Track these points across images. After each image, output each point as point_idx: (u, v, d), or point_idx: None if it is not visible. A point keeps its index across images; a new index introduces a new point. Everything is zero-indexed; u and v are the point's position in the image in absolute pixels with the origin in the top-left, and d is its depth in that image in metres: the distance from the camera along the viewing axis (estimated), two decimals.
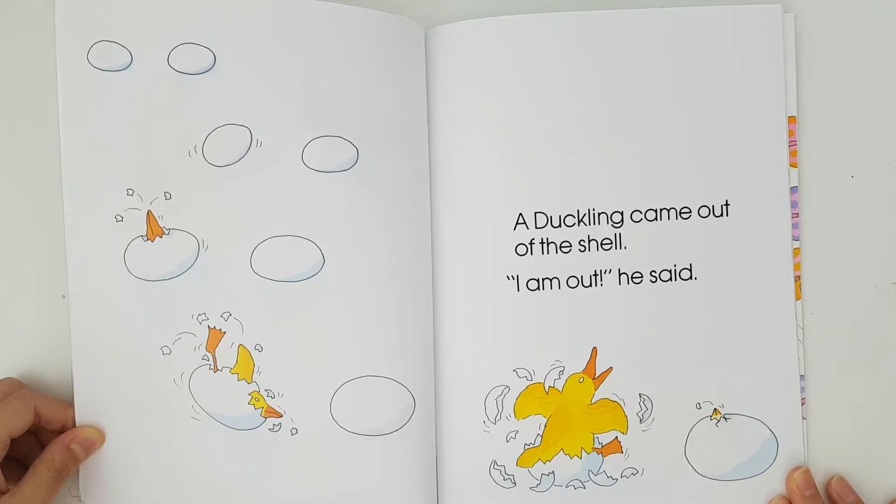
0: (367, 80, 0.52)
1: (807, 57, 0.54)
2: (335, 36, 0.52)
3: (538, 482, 0.53)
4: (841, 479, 0.53)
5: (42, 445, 0.51)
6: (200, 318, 0.52)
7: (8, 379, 0.52)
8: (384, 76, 0.52)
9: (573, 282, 0.53)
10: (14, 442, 0.49)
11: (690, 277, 0.53)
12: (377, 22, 0.52)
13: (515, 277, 0.53)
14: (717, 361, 0.53)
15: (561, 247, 0.53)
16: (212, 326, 0.52)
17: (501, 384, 0.53)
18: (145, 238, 0.52)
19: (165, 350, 0.52)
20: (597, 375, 0.53)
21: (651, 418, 0.53)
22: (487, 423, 0.53)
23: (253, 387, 0.53)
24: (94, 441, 0.51)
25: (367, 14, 0.52)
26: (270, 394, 0.53)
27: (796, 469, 0.53)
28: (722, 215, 0.53)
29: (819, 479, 0.53)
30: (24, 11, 0.53)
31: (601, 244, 0.53)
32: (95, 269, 0.52)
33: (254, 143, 0.52)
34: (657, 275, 0.53)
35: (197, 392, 0.52)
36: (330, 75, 0.52)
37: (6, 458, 0.49)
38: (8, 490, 0.48)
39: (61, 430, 0.51)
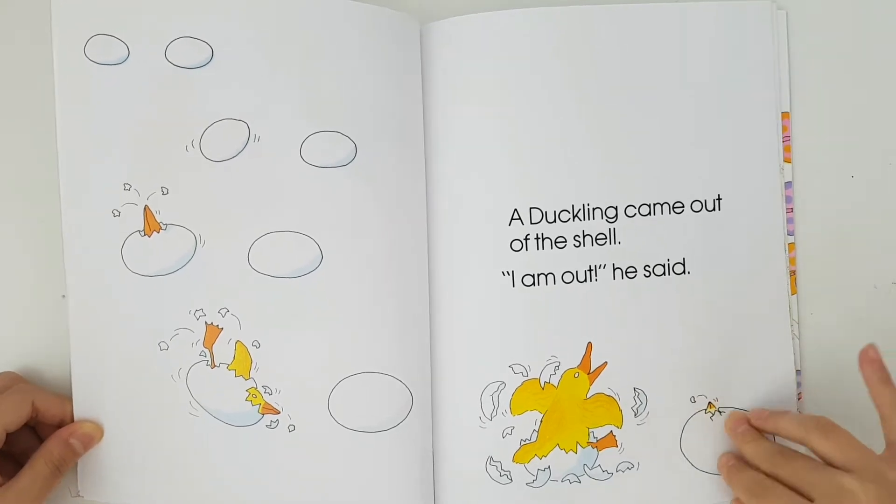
0: (364, 75, 0.52)
1: (800, 53, 0.54)
2: (332, 30, 0.52)
3: (534, 478, 0.53)
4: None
5: (40, 440, 0.50)
6: (198, 314, 0.52)
7: (6, 373, 0.52)
8: (381, 71, 0.52)
9: (568, 277, 0.53)
10: (13, 437, 0.49)
11: (684, 272, 0.53)
12: (373, 17, 0.52)
13: (511, 273, 0.53)
14: (711, 355, 0.54)
15: (556, 242, 0.53)
16: (209, 322, 0.52)
17: (497, 380, 0.53)
18: (142, 233, 0.52)
19: (163, 346, 0.52)
20: (592, 370, 0.54)
21: (646, 412, 0.54)
22: (483, 418, 0.53)
23: (250, 383, 0.53)
24: (92, 436, 0.51)
25: (363, 9, 0.52)
26: (268, 390, 0.53)
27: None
28: (714, 210, 0.54)
29: None
30: (21, 5, 0.53)
31: (595, 239, 0.53)
32: (93, 264, 0.51)
33: (251, 137, 0.52)
34: (651, 269, 0.53)
35: (194, 388, 0.52)
36: (327, 70, 0.52)
37: (2, 453, 0.49)
38: (3, 484, 0.47)
39: (59, 425, 0.50)
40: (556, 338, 0.53)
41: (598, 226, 0.53)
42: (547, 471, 0.54)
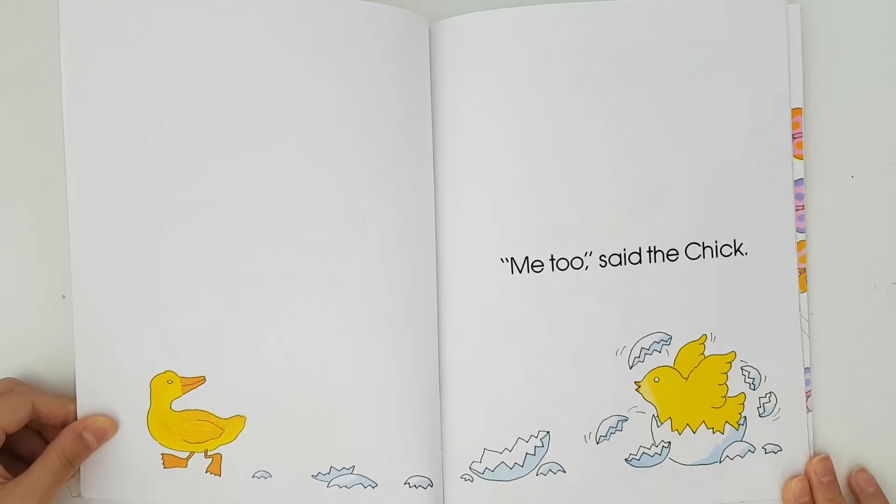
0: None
1: (813, 49, 0.53)
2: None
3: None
4: (864, 469, 0.53)
5: (47, 442, 0.51)
6: None
7: (7, 379, 0.52)
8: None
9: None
10: (18, 440, 0.50)
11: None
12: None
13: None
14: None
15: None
16: None
17: None
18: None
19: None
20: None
21: None
22: None
23: None
24: (106, 430, 0.51)
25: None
26: None
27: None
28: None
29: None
30: (29, 7, 0.53)
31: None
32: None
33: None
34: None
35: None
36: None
37: (10, 454, 0.49)
38: (10, 479, 0.47)
39: (63, 426, 0.50)
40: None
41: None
42: None
